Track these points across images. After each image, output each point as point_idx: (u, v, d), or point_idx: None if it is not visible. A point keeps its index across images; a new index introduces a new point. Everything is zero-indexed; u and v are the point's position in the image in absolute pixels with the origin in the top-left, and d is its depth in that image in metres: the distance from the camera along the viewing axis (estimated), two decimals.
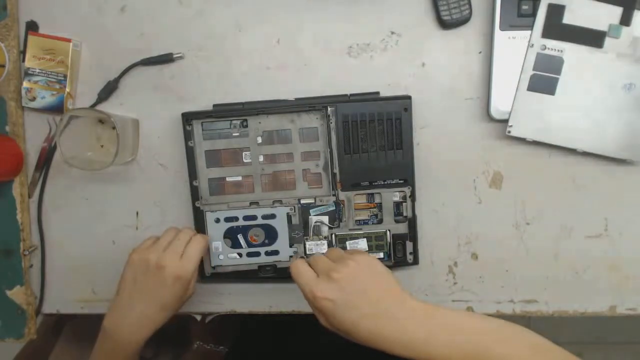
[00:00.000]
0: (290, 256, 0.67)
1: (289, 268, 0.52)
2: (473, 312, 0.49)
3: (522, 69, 0.62)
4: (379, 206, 0.65)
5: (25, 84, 0.67)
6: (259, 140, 0.65)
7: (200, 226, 0.66)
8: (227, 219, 0.66)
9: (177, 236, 0.61)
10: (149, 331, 0.59)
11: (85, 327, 0.86)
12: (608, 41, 0.60)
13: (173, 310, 0.60)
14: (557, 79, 0.61)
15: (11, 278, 0.71)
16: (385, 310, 0.47)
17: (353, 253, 0.52)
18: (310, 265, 0.52)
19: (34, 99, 0.68)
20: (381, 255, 0.66)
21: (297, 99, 0.65)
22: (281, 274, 0.67)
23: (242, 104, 0.65)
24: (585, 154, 0.63)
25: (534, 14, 0.61)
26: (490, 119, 0.64)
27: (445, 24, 0.63)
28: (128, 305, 0.59)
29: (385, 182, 0.64)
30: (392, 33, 0.65)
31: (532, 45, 0.61)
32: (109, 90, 0.68)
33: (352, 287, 0.48)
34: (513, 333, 0.47)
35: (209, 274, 0.68)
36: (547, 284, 0.66)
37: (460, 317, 0.48)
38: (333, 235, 0.66)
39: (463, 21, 0.63)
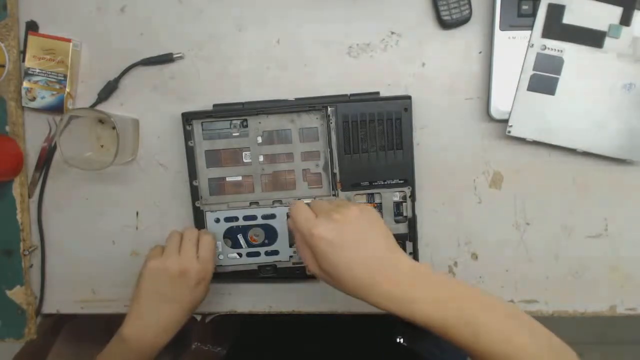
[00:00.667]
0: (290, 256, 0.67)
1: (289, 209, 0.51)
2: (469, 284, 0.48)
3: (522, 69, 0.62)
4: (379, 206, 0.65)
5: (25, 84, 0.67)
6: (259, 140, 0.65)
7: (200, 226, 0.66)
8: (227, 219, 0.66)
9: (185, 238, 0.61)
10: (170, 337, 0.60)
11: (83, 328, 0.86)
12: (608, 41, 0.60)
13: (190, 313, 0.61)
14: (557, 79, 0.61)
15: (11, 278, 0.71)
16: (380, 260, 0.47)
17: (358, 203, 0.52)
18: (310, 207, 0.51)
19: (34, 99, 0.68)
20: None
21: (297, 99, 0.65)
22: (281, 274, 0.67)
23: (242, 104, 0.65)
24: (585, 154, 0.63)
25: (534, 14, 0.61)
26: (490, 119, 0.64)
27: (445, 24, 0.63)
28: (152, 313, 0.59)
29: (385, 182, 0.64)
30: (392, 33, 0.65)
31: (532, 45, 0.61)
32: (109, 90, 0.68)
33: (351, 231, 0.47)
34: (505, 308, 0.46)
35: None
36: (547, 284, 0.66)
37: (454, 283, 0.49)
38: None
39: (463, 21, 0.63)
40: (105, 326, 0.72)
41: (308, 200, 0.65)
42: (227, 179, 0.66)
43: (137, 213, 0.70)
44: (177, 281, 0.59)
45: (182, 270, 0.59)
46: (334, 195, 0.65)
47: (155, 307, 0.59)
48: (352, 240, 0.47)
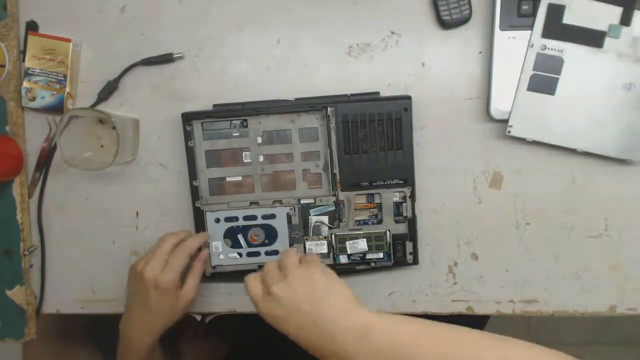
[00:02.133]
0: None
1: (244, 282, 0.54)
2: (435, 325, 0.46)
3: (522, 69, 0.61)
4: (379, 206, 0.65)
5: (25, 84, 0.67)
6: (259, 140, 0.65)
7: (200, 226, 0.66)
8: (227, 219, 0.66)
9: (160, 245, 0.62)
10: (153, 335, 0.62)
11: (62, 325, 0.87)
12: (608, 41, 0.60)
13: (168, 316, 0.62)
14: (557, 79, 0.61)
15: (11, 278, 0.71)
16: (323, 328, 0.47)
17: (304, 261, 0.54)
18: (262, 276, 0.54)
19: (34, 99, 0.68)
20: (381, 255, 0.66)
21: (297, 99, 0.65)
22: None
23: (242, 104, 0.65)
24: (585, 154, 0.63)
25: (534, 14, 0.61)
26: (490, 119, 0.64)
27: (445, 24, 0.63)
28: (130, 313, 0.63)
29: (385, 182, 0.64)
30: (392, 33, 0.65)
31: (532, 45, 0.61)
32: (109, 90, 0.68)
33: (287, 302, 0.50)
34: (476, 347, 0.44)
35: (209, 274, 0.68)
36: (547, 284, 0.66)
37: (413, 333, 0.46)
38: (333, 236, 0.66)
39: (463, 21, 0.63)
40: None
41: (309, 201, 0.65)
42: (227, 179, 0.66)
43: (137, 213, 0.70)
44: (140, 284, 0.60)
45: (141, 275, 0.60)
46: (334, 195, 0.65)
47: (133, 308, 0.63)
48: (290, 312, 0.49)
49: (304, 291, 0.50)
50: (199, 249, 0.64)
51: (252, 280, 0.54)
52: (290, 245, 0.66)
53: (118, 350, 0.65)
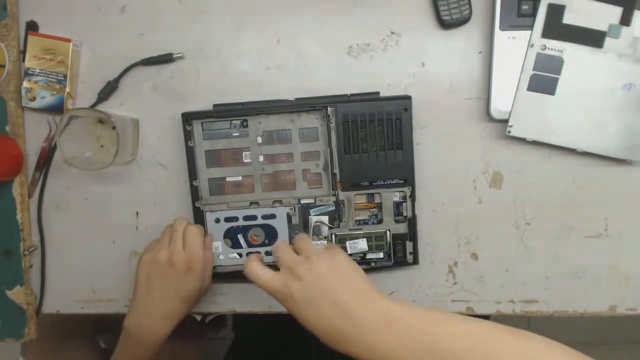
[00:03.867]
0: None
1: (248, 269, 0.52)
2: (454, 316, 0.46)
3: (522, 69, 0.62)
4: (379, 206, 0.65)
5: (25, 84, 0.67)
6: (259, 140, 0.65)
7: (200, 226, 0.66)
8: (227, 219, 0.66)
9: (173, 230, 0.63)
10: (171, 326, 0.62)
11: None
12: (608, 41, 0.60)
13: (191, 303, 0.63)
14: (557, 79, 0.61)
15: (11, 278, 0.71)
16: (346, 312, 0.46)
17: (328, 248, 0.52)
18: (273, 252, 0.52)
19: (34, 99, 0.68)
20: (381, 255, 0.66)
21: (297, 99, 0.65)
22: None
23: (242, 104, 0.65)
24: (585, 154, 0.63)
25: (534, 14, 0.61)
26: (490, 119, 0.64)
27: (445, 24, 0.63)
28: (147, 304, 0.61)
29: (385, 182, 0.64)
30: (392, 33, 0.65)
31: (532, 45, 0.61)
32: (109, 90, 0.68)
33: (314, 285, 0.47)
34: (495, 342, 0.43)
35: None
36: (547, 284, 0.66)
37: (432, 322, 0.45)
38: (333, 235, 0.66)
39: (463, 21, 0.63)
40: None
41: (309, 200, 0.65)
42: (227, 179, 0.66)
43: (137, 213, 0.70)
44: (166, 271, 0.60)
45: (169, 259, 0.60)
46: (334, 194, 0.65)
47: (149, 298, 0.61)
48: (317, 296, 0.47)
49: (329, 274, 0.48)
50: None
51: (255, 266, 0.51)
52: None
53: (118, 348, 0.63)
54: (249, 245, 0.67)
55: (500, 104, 0.63)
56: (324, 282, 0.48)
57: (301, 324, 0.48)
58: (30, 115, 0.70)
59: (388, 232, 0.65)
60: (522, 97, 0.62)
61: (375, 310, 0.46)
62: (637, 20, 0.59)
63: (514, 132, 0.62)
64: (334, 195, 0.65)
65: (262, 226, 0.66)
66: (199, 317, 0.71)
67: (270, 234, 0.66)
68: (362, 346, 0.45)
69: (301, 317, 0.48)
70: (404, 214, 0.65)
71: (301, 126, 0.64)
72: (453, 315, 0.46)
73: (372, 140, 0.63)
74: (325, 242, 0.65)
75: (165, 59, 0.67)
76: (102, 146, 0.68)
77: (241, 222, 0.66)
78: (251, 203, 0.66)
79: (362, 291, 0.48)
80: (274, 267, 0.52)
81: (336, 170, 0.64)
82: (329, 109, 0.63)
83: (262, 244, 0.67)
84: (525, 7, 0.61)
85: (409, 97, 0.63)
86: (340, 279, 0.48)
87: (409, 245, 0.66)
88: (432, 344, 0.43)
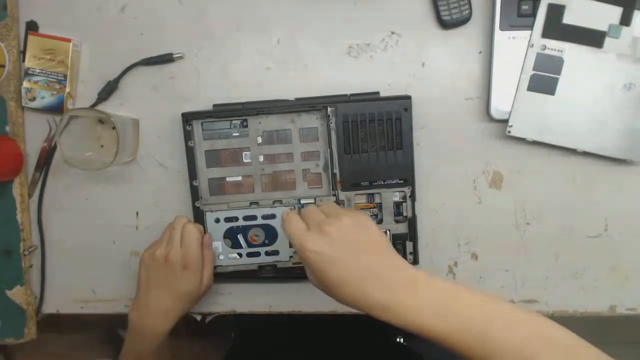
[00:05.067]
0: (290, 256, 0.67)
1: (281, 218, 0.51)
2: (478, 291, 0.45)
3: (522, 69, 0.61)
4: (379, 206, 0.65)
5: (25, 84, 0.67)
6: (259, 140, 0.65)
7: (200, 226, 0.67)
8: (227, 219, 0.66)
9: (172, 227, 0.64)
10: (171, 322, 0.63)
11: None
12: (608, 41, 0.60)
13: (189, 300, 0.64)
14: (557, 79, 0.61)
15: (11, 278, 0.71)
16: (374, 271, 0.46)
17: (350, 210, 0.52)
18: (302, 216, 0.51)
19: (34, 99, 0.68)
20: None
21: (297, 99, 0.65)
22: (281, 274, 0.67)
23: (242, 104, 0.65)
24: (585, 154, 0.63)
25: (534, 14, 0.61)
26: (490, 119, 0.64)
27: (445, 24, 0.63)
28: (147, 300, 0.63)
29: (385, 182, 0.64)
30: (392, 33, 0.65)
31: (532, 45, 0.61)
32: (109, 90, 0.68)
33: (342, 243, 0.47)
34: (518, 319, 0.43)
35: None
36: (547, 284, 0.66)
37: (458, 290, 0.45)
38: None
39: (463, 21, 0.63)
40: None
41: (309, 201, 0.65)
42: (227, 179, 0.66)
43: (137, 213, 0.70)
44: (163, 269, 0.62)
45: (166, 257, 0.61)
46: (334, 194, 0.65)
47: (148, 295, 0.63)
48: (344, 253, 0.46)
49: (359, 234, 0.48)
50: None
51: (292, 215, 0.51)
52: (290, 245, 0.66)
53: (126, 342, 0.65)
54: (249, 245, 0.67)
55: (500, 104, 0.63)
56: (352, 240, 0.47)
57: (319, 281, 0.47)
58: (30, 115, 0.70)
59: (388, 232, 0.65)
60: (522, 97, 0.62)
61: (407, 274, 0.46)
62: (637, 20, 0.59)
63: (514, 132, 0.62)
64: (334, 195, 0.65)
65: (262, 226, 0.66)
66: (199, 317, 0.71)
67: (270, 234, 0.66)
68: (386, 305, 0.44)
69: (325, 273, 0.46)
70: (404, 214, 0.65)
71: (301, 126, 0.64)
72: (471, 288, 0.46)
73: (372, 140, 0.63)
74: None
75: (165, 59, 0.67)
76: (102, 146, 0.68)
77: (241, 222, 0.66)
78: (251, 203, 0.66)
79: (388, 254, 0.48)
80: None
81: (336, 170, 0.64)
82: (329, 109, 0.63)
83: (262, 244, 0.67)
84: (525, 7, 0.61)
85: (409, 97, 0.63)
86: (368, 240, 0.48)
87: (409, 245, 0.66)
88: (455, 308, 0.43)
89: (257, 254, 0.67)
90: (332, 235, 0.47)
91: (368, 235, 0.48)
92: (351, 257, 0.46)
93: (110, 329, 0.95)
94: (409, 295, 0.44)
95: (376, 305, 0.44)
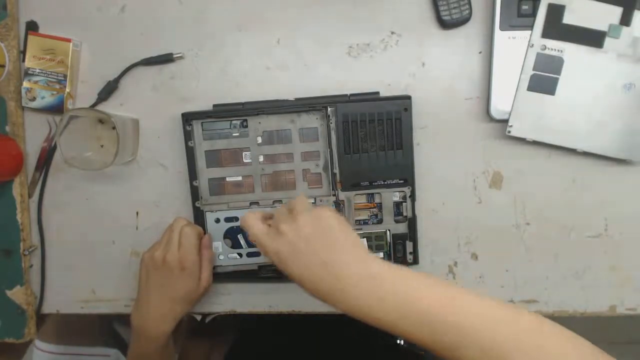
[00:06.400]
0: None
1: (240, 220, 0.52)
2: (438, 280, 0.45)
3: (522, 69, 0.61)
4: (379, 206, 0.65)
5: (25, 84, 0.67)
6: (259, 140, 0.65)
7: (200, 226, 0.66)
8: (227, 219, 0.66)
9: (171, 229, 0.64)
10: (171, 324, 0.64)
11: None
12: (608, 41, 0.60)
13: (189, 301, 0.64)
14: (557, 79, 0.61)
15: (11, 278, 0.71)
16: (329, 267, 0.46)
17: (316, 206, 0.52)
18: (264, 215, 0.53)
19: (34, 99, 0.68)
20: (381, 255, 0.66)
21: (297, 99, 0.65)
22: (281, 274, 0.67)
23: (242, 104, 0.65)
24: (585, 154, 0.63)
25: (534, 14, 0.61)
26: (490, 119, 0.64)
27: (445, 24, 0.63)
28: (147, 301, 0.63)
29: (385, 182, 0.64)
30: (392, 33, 0.65)
31: (532, 45, 0.61)
32: (109, 90, 0.68)
33: (295, 240, 0.48)
34: (481, 308, 0.42)
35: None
36: (547, 284, 0.66)
37: (416, 286, 0.44)
38: None
39: (463, 21, 0.63)
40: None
41: (309, 201, 0.65)
42: (227, 179, 0.66)
43: (137, 213, 0.70)
44: (162, 270, 0.62)
45: (164, 259, 0.62)
46: (334, 194, 0.65)
47: (149, 297, 0.63)
48: (299, 250, 0.47)
49: (314, 231, 0.48)
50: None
51: (251, 216, 0.52)
52: None
53: (130, 343, 0.65)
54: (249, 245, 0.67)
55: (500, 104, 0.63)
56: (307, 238, 0.48)
57: (289, 278, 0.49)
58: (30, 115, 0.70)
59: (388, 232, 0.65)
60: (522, 97, 0.62)
61: (367, 270, 0.46)
62: (637, 20, 0.59)
63: (514, 132, 0.62)
64: (334, 195, 0.65)
65: None
66: (199, 317, 0.72)
67: None
68: (345, 301, 0.45)
69: (287, 271, 0.48)
70: (404, 214, 0.65)
71: (301, 126, 0.64)
72: (438, 280, 0.46)
73: (372, 140, 0.63)
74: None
75: (165, 59, 0.67)
76: (102, 146, 0.68)
77: None
78: (251, 203, 0.66)
79: (346, 248, 0.47)
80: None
81: (336, 170, 0.64)
82: (329, 109, 0.63)
83: None
84: (525, 7, 0.61)
85: (409, 97, 0.63)
86: (324, 235, 0.48)
87: (409, 245, 0.66)
88: (414, 305, 0.43)
89: (257, 254, 0.67)
90: (287, 235, 0.48)
91: (321, 230, 0.48)
92: (305, 253, 0.47)
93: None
94: (364, 289, 0.44)
95: (332, 298, 0.45)
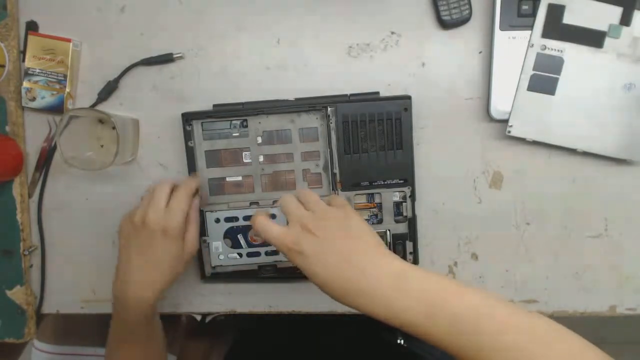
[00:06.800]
0: None
1: (252, 222, 0.50)
2: (464, 285, 0.45)
3: (522, 69, 0.62)
4: (379, 206, 0.65)
5: (25, 84, 0.67)
6: (259, 140, 0.65)
7: (199, 226, 0.66)
8: (227, 219, 0.66)
9: (157, 190, 0.60)
10: (155, 293, 0.59)
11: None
12: (608, 41, 0.60)
13: (173, 268, 0.59)
14: (557, 79, 0.61)
15: (11, 278, 0.71)
16: (359, 268, 0.45)
17: (330, 202, 0.51)
18: (282, 210, 0.51)
19: (34, 99, 0.68)
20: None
21: (297, 99, 0.65)
22: (281, 274, 0.67)
23: (242, 104, 0.65)
24: (585, 154, 0.63)
25: (534, 14, 0.61)
26: (490, 119, 0.64)
27: (445, 24, 0.63)
28: (127, 269, 0.59)
29: (385, 182, 0.64)
30: (392, 33, 0.65)
31: (532, 45, 0.61)
32: (109, 90, 0.68)
33: (327, 242, 0.47)
34: (510, 318, 0.42)
35: (209, 274, 0.68)
36: (547, 284, 0.66)
37: (443, 288, 0.44)
38: None
39: (463, 21, 0.63)
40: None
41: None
42: (227, 179, 0.66)
43: None
44: (141, 233, 0.58)
45: (144, 221, 0.57)
46: (334, 194, 0.65)
47: (130, 265, 0.59)
48: (327, 251, 0.47)
49: (338, 231, 0.47)
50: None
51: (265, 220, 0.50)
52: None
53: (112, 321, 0.61)
54: (249, 245, 0.67)
55: (500, 104, 0.63)
56: (337, 239, 0.47)
57: (308, 278, 0.48)
58: (30, 115, 0.70)
59: (388, 232, 0.65)
60: (522, 97, 0.62)
61: (391, 267, 0.46)
62: (637, 20, 0.59)
63: (514, 132, 0.62)
64: (334, 194, 0.65)
65: None
66: (199, 317, 0.71)
67: None
68: (374, 302, 0.44)
69: (310, 272, 0.47)
70: (404, 214, 0.65)
71: (301, 126, 0.64)
72: (462, 285, 0.46)
73: (372, 140, 0.63)
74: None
75: (165, 59, 0.67)
76: (102, 146, 0.68)
77: (241, 222, 0.66)
78: (251, 203, 0.66)
79: (375, 250, 0.47)
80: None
81: (336, 170, 0.64)
82: (329, 109, 0.63)
83: (262, 244, 0.67)
84: (525, 7, 0.61)
85: (409, 97, 0.63)
86: (353, 237, 0.48)
87: (409, 245, 0.66)
88: (444, 308, 0.43)
89: (257, 254, 0.67)
90: (311, 231, 0.47)
91: (351, 231, 0.48)
92: (333, 254, 0.46)
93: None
94: (394, 291, 0.44)
95: (359, 301, 0.45)
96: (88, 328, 0.87)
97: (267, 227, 0.50)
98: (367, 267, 0.46)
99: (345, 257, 0.46)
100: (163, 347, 0.65)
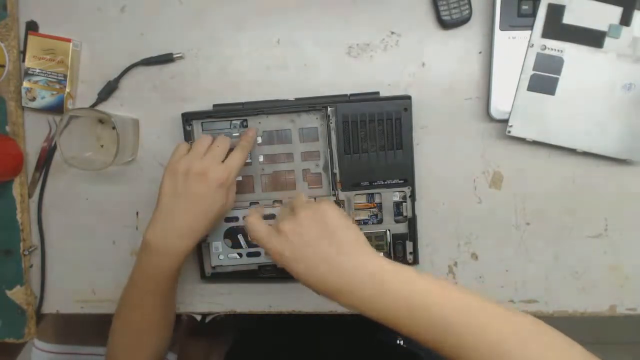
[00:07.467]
0: None
1: (244, 221, 0.52)
2: (437, 281, 0.45)
3: (522, 69, 0.62)
4: (379, 206, 0.65)
5: (25, 84, 0.67)
6: (259, 140, 0.65)
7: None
8: (227, 219, 0.66)
9: (215, 143, 0.60)
10: (193, 241, 0.59)
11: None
12: (608, 41, 0.60)
13: (214, 219, 0.60)
14: (557, 79, 0.61)
15: (11, 278, 0.71)
16: (337, 268, 0.46)
17: (317, 202, 0.52)
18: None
19: (34, 99, 0.68)
20: (381, 255, 0.65)
21: (297, 99, 0.65)
22: (281, 274, 0.67)
23: (242, 104, 0.65)
24: (585, 154, 0.63)
25: (534, 14, 0.61)
26: (490, 119, 0.64)
27: (445, 24, 0.63)
28: (170, 215, 0.58)
29: (385, 182, 0.64)
30: (392, 33, 0.65)
31: (532, 45, 0.61)
32: (109, 90, 0.68)
33: (297, 240, 0.48)
34: (493, 314, 0.43)
35: (209, 274, 0.68)
36: (547, 284, 0.66)
37: (425, 288, 0.44)
38: None
39: (463, 21, 0.63)
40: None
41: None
42: None
43: (137, 213, 0.70)
44: (196, 181, 0.57)
45: (202, 171, 0.57)
46: (334, 194, 0.65)
47: (173, 209, 0.58)
48: (301, 249, 0.48)
49: (314, 229, 0.48)
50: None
51: (254, 220, 0.52)
52: None
53: (137, 265, 0.60)
54: (249, 245, 0.67)
55: (500, 104, 0.63)
56: (308, 236, 0.48)
57: (295, 278, 0.49)
58: (30, 115, 0.70)
59: (388, 232, 0.65)
60: (522, 97, 0.62)
61: (370, 266, 0.46)
62: (637, 20, 0.59)
63: (514, 132, 0.62)
64: (334, 195, 0.65)
65: None
66: (199, 317, 0.71)
67: None
68: (355, 300, 0.45)
69: (293, 272, 0.48)
70: (404, 214, 0.65)
71: (301, 126, 0.64)
72: (445, 283, 0.46)
73: (372, 140, 0.63)
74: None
75: (165, 59, 0.67)
76: (102, 146, 0.68)
77: (241, 222, 0.66)
78: (251, 203, 0.66)
79: (352, 249, 0.48)
80: None
81: (336, 170, 0.64)
82: (329, 109, 0.63)
83: None
84: (525, 7, 0.61)
85: (409, 97, 0.63)
86: (325, 232, 0.48)
87: (409, 245, 0.66)
88: (422, 306, 0.43)
89: (257, 254, 0.67)
90: (288, 234, 0.48)
91: (325, 229, 0.48)
92: (306, 252, 0.47)
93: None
94: (373, 290, 0.45)
95: (336, 292, 0.46)
96: (88, 328, 0.87)
97: (255, 226, 0.51)
98: (344, 267, 0.46)
99: (323, 258, 0.47)
100: (175, 300, 0.66)
